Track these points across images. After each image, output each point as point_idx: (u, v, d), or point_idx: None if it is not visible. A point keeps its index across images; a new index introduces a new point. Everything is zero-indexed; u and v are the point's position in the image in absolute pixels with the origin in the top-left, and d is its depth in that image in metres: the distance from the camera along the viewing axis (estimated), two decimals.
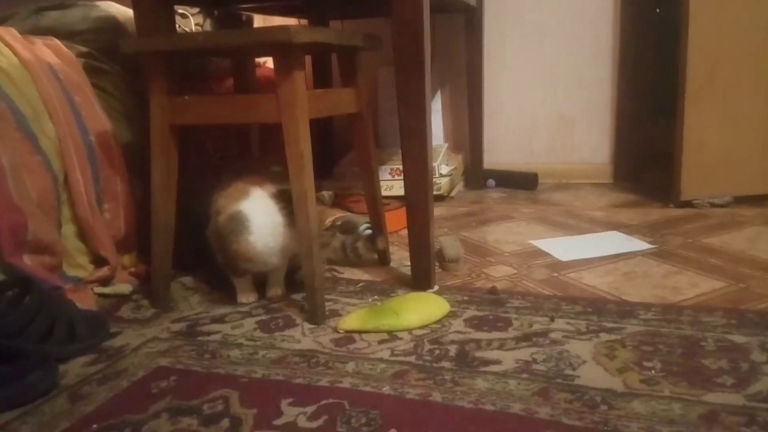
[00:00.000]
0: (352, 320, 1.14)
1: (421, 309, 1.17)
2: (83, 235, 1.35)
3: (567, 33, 2.49)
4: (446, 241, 1.56)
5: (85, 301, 1.24)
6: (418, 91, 1.24)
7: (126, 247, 1.46)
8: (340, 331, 1.13)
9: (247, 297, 1.30)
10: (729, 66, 1.94)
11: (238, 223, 1.20)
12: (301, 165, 1.13)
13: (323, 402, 0.89)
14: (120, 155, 1.44)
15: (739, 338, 1.04)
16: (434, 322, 1.15)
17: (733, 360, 0.97)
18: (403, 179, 1.31)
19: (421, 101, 1.25)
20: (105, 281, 1.36)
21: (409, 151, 1.28)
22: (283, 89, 1.11)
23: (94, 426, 0.86)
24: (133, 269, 1.44)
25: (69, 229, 1.33)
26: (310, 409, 0.87)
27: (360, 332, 1.12)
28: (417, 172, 1.29)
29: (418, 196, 1.30)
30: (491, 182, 2.54)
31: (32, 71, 1.30)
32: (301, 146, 1.13)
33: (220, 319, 1.22)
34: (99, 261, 1.38)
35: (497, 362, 1.00)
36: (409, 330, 1.12)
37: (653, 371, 0.94)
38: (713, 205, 2.01)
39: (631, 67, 2.44)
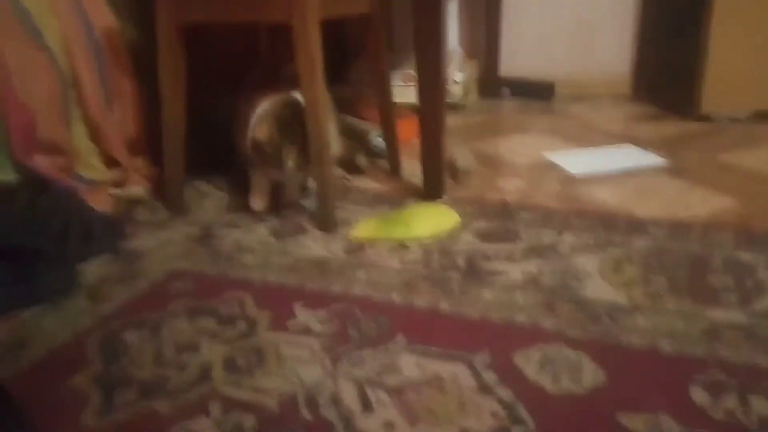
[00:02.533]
0: (363, 229, 1.16)
1: (432, 220, 1.18)
2: (94, 135, 1.34)
3: None
4: (458, 152, 1.55)
5: (100, 202, 1.25)
6: None
7: (136, 149, 1.45)
8: (352, 239, 1.15)
9: (260, 203, 1.30)
10: None
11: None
12: (312, 70, 1.10)
13: (334, 307, 0.92)
14: (126, 54, 1.40)
15: (746, 256, 1.05)
16: (444, 233, 1.16)
17: (738, 278, 0.98)
18: (416, 87, 1.27)
19: (438, 6, 1.19)
20: (118, 183, 1.37)
21: (423, 58, 1.24)
22: None
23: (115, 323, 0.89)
24: (145, 172, 1.44)
25: (80, 129, 1.32)
26: (321, 313, 0.90)
27: (371, 241, 1.14)
28: (431, 80, 1.25)
29: (431, 106, 1.27)
30: (506, 91, 2.49)
31: None
32: (311, 49, 1.09)
33: (233, 224, 1.24)
34: (111, 163, 1.38)
35: (504, 273, 1.01)
36: (420, 240, 1.14)
37: (658, 286, 0.96)
38: (732, 120, 1.96)
39: None
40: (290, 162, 1.17)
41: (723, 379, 0.73)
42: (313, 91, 1.11)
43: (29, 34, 1.20)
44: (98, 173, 1.35)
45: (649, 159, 1.62)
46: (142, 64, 1.41)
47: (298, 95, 1.19)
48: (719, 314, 0.88)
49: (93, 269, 1.07)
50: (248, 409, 0.71)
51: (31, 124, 1.16)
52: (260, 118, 1.18)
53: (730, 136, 1.83)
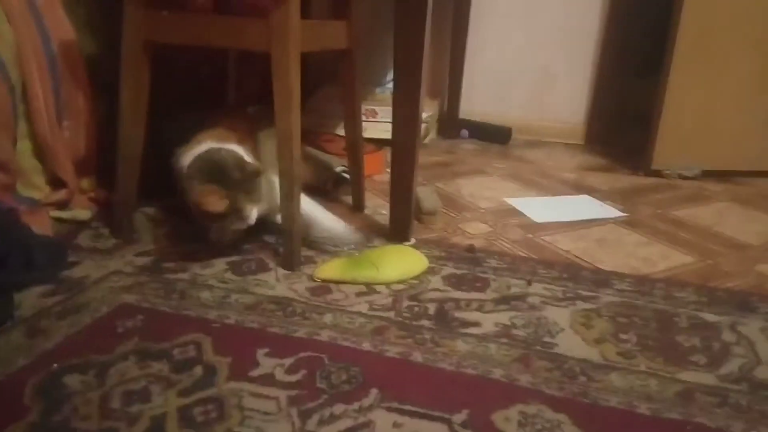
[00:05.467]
0: (329, 269, 1.10)
1: (400, 263, 1.14)
2: (41, 153, 1.24)
3: None
4: (423, 192, 1.52)
5: (40, 225, 1.15)
6: (417, 33, 1.16)
7: (85, 169, 1.35)
8: (317, 279, 1.09)
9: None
10: (722, 34, 1.91)
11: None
12: (289, 102, 1.06)
13: (301, 354, 0.86)
14: (84, 68, 1.31)
15: (710, 317, 1.06)
16: (413, 278, 1.13)
17: (705, 338, 0.98)
18: (392, 124, 1.24)
19: (420, 46, 1.17)
20: (62, 205, 1.27)
21: (402, 97, 1.22)
22: (275, 16, 1.02)
23: (55, 365, 0.80)
24: (92, 194, 1.35)
25: (25, 146, 1.22)
26: (287, 362, 0.84)
27: (337, 282, 1.09)
28: (407, 117, 1.22)
29: (407, 144, 1.24)
30: (464, 133, 2.50)
31: None
32: (290, 81, 1.05)
33: (189, 257, 1.16)
34: (56, 182, 1.28)
35: (477, 324, 0.98)
36: (388, 284, 1.10)
37: (629, 344, 0.95)
38: (681, 177, 2.03)
39: (620, 21, 2.37)
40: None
41: None
42: (287, 124, 1.06)
43: None
44: (41, 193, 1.24)
45: (607, 211, 1.64)
46: (100, 79, 1.33)
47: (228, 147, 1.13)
48: (691, 377, 0.87)
49: (31, 300, 0.96)
50: None
51: None
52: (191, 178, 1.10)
53: (682, 192, 1.89)
